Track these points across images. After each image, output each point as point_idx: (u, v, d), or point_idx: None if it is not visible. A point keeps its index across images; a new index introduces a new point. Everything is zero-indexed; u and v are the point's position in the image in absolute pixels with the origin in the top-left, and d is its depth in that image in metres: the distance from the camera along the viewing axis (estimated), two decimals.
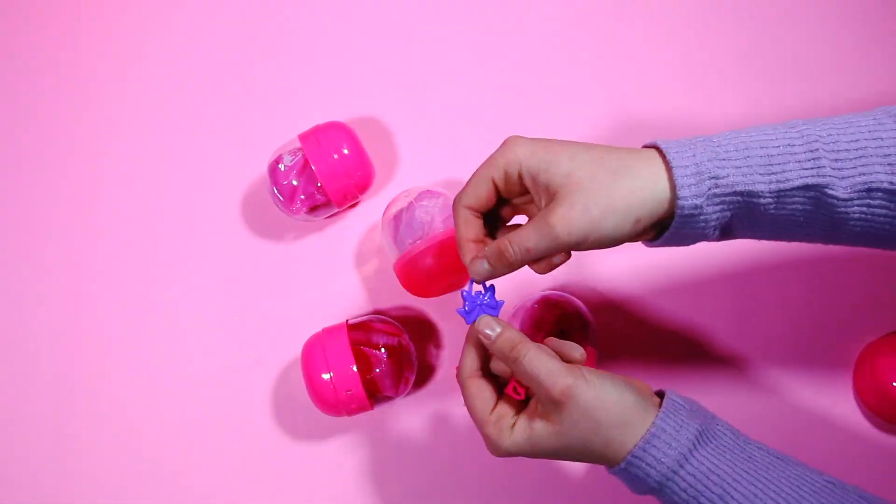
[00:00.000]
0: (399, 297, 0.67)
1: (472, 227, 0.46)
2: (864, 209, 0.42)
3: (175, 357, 0.68)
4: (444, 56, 0.73)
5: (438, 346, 0.67)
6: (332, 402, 0.59)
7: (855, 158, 0.42)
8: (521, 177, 0.44)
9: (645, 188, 0.42)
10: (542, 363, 0.44)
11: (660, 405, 0.46)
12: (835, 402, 0.63)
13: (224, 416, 0.67)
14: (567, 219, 0.41)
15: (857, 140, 0.42)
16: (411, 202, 0.62)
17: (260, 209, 0.70)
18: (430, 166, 0.70)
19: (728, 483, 0.43)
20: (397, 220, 0.62)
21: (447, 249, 0.60)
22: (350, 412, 0.60)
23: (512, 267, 0.45)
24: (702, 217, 0.42)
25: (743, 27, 0.71)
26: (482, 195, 0.46)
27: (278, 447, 0.66)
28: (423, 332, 0.67)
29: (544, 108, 0.71)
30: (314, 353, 0.60)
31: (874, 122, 0.43)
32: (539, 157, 0.43)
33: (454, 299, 0.67)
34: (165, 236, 0.71)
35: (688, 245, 0.45)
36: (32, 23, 0.77)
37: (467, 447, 0.64)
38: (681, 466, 0.43)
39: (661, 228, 0.44)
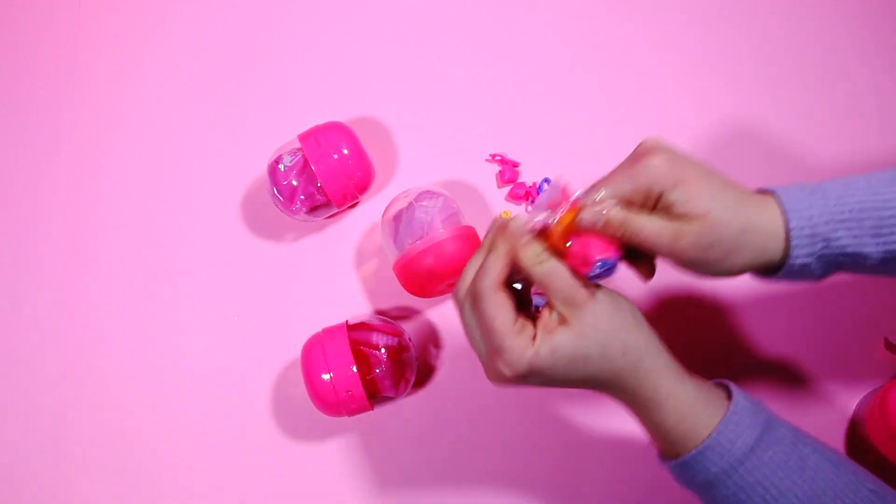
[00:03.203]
0: (399, 297, 0.67)
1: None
2: None
3: (175, 357, 0.68)
4: (443, 56, 0.73)
5: (438, 346, 0.67)
6: (331, 403, 0.59)
7: None
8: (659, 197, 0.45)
9: (760, 249, 0.45)
10: (566, 271, 0.45)
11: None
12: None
13: (224, 416, 0.66)
14: (690, 246, 0.44)
15: None
16: (411, 202, 0.62)
17: (260, 209, 0.70)
18: (430, 166, 0.70)
19: (773, 489, 0.43)
20: (397, 221, 0.62)
21: (447, 249, 0.60)
22: (350, 412, 0.60)
23: (620, 236, 0.46)
24: (808, 271, 0.46)
25: (745, 21, 0.71)
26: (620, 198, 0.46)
27: (278, 447, 0.66)
28: (423, 332, 0.67)
29: (544, 106, 0.71)
30: (314, 354, 0.60)
31: None
32: (680, 190, 0.44)
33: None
34: (166, 236, 0.71)
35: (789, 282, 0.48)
36: (32, 23, 0.77)
37: (468, 447, 0.64)
38: (747, 458, 0.44)
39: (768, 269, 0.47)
